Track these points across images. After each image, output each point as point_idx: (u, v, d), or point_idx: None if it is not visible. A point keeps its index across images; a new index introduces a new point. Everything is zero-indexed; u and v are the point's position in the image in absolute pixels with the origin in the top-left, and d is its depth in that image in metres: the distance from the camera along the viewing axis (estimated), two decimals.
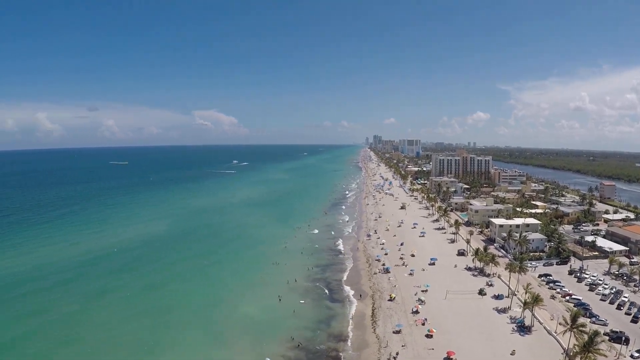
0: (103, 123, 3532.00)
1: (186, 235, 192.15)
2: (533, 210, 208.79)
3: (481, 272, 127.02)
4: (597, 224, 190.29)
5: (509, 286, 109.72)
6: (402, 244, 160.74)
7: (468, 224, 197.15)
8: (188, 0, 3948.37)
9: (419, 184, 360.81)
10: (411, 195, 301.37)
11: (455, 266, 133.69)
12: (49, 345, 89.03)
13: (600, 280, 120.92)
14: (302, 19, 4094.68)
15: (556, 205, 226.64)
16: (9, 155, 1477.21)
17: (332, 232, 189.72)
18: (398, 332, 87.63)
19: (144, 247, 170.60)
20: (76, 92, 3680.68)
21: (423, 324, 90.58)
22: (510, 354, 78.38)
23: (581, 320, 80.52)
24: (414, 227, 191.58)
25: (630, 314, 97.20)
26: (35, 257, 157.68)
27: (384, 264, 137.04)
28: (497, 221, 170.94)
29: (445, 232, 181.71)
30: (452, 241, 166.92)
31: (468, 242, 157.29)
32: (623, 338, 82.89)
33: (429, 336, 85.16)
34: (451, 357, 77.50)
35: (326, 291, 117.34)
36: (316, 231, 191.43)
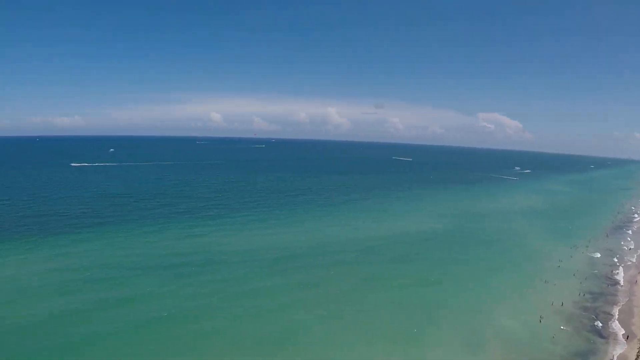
0: (388, 120, 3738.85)
1: (462, 236, 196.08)
2: None
3: None
4: None
5: None
6: None
7: None
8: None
9: None
10: None
11: None
12: (311, 316, 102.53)
13: None
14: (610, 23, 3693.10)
15: None
16: (300, 143, 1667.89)
17: (614, 259, 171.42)
18: None
19: (419, 243, 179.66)
20: (364, 89, 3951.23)
21: None
22: None
23: None
24: None
25: None
26: (317, 236, 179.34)
27: None
28: None
29: None
30: None
31: None
32: None
33: None
34: None
35: (592, 323, 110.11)
36: (597, 255, 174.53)
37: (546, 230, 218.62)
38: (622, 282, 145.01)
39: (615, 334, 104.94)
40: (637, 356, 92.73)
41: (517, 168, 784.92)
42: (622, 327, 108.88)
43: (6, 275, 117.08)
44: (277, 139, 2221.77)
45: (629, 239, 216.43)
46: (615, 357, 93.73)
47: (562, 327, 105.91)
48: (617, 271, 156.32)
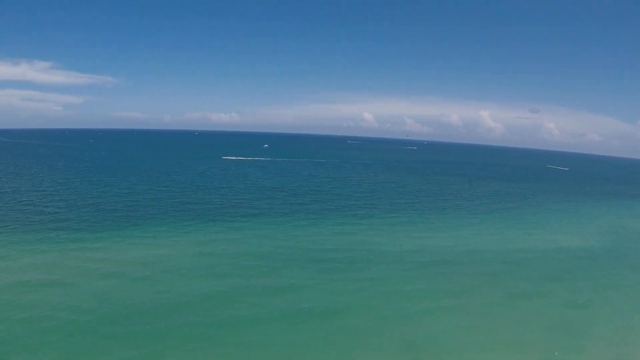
0: (543, 125, 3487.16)
1: (619, 257, 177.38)
2: None
3: None
4: None
5: None
6: None
7: None
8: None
9: None
10: None
11: None
12: (452, 325, 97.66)
13: None
14: None
15: None
16: (452, 147, 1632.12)
17: None
18: None
19: (571, 260, 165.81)
20: (520, 93, 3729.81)
21: None
22: None
23: None
24: None
25: None
26: (464, 243, 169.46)
27: None
28: None
29: None
30: None
31: None
32: None
33: None
34: None
35: None
36: None
37: None
38: None
39: None
40: None
41: None
42: None
43: (162, 254, 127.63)
44: (429, 141, 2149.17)
45: None
46: None
47: None
48: None
